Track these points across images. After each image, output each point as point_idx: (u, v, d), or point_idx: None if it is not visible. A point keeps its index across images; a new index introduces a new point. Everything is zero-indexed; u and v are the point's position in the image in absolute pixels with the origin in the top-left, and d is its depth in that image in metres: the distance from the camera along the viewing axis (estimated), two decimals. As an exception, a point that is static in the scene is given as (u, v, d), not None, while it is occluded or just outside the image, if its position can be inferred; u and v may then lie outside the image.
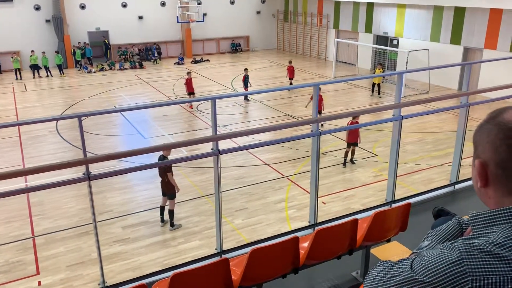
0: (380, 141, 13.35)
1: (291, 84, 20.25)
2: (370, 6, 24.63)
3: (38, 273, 7.60)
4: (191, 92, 17.57)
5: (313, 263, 4.27)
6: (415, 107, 11.44)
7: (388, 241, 4.79)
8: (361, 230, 4.34)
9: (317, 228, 4.12)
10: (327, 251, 4.24)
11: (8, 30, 24.71)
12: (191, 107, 17.43)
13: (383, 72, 19.75)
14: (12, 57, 23.57)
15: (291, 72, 20.38)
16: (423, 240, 1.46)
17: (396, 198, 6.96)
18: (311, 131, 5.76)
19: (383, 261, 1.32)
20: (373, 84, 19.16)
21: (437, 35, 20.95)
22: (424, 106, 13.80)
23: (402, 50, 20.84)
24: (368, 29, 25.06)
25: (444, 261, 1.08)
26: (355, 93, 20.02)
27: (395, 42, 23.56)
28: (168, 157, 8.43)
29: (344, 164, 11.72)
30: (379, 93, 19.09)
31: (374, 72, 19.99)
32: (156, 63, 27.82)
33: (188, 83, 17.57)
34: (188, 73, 18.02)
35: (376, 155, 12.45)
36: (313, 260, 4.14)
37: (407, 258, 1.23)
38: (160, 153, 8.47)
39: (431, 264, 1.10)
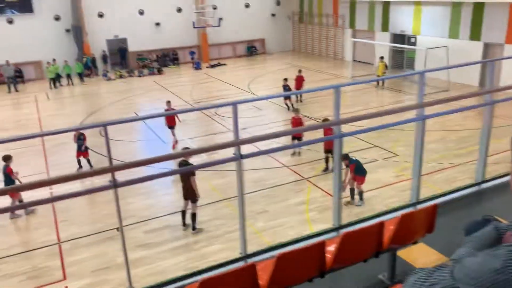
0: (401, 140, 13.19)
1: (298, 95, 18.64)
2: (386, 4, 24.39)
3: (65, 278, 7.75)
4: (171, 126, 13.92)
5: (339, 267, 4.24)
6: (436, 106, 11.24)
7: (415, 243, 4.72)
8: (387, 232, 4.30)
9: (342, 231, 4.09)
10: (354, 255, 4.21)
11: (29, 40, 25.27)
12: (174, 146, 13.85)
13: (385, 64, 20.62)
14: (47, 67, 24.02)
15: (299, 82, 18.31)
16: (460, 247, 1.44)
17: (420, 198, 6.85)
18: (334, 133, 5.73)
19: (420, 268, 1.32)
20: (378, 76, 20.20)
21: (456, 31, 20.60)
22: (445, 105, 13.57)
23: (420, 48, 20.55)
24: (385, 27, 24.81)
25: (488, 269, 1.06)
26: (374, 93, 19.87)
27: (412, 40, 23.27)
28: (189, 161, 8.51)
29: (325, 169, 11.48)
30: (383, 84, 20.63)
31: (378, 66, 20.77)
32: (198, 67, 27.63)
33: (168, 116, 13.85)
34: (168, 102, 14.29)
35: (397, 155, 12.31)
36: (339, 264, 4.11)
37: (446, 265, 1.22)
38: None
39: (474, 272, 1.08)
